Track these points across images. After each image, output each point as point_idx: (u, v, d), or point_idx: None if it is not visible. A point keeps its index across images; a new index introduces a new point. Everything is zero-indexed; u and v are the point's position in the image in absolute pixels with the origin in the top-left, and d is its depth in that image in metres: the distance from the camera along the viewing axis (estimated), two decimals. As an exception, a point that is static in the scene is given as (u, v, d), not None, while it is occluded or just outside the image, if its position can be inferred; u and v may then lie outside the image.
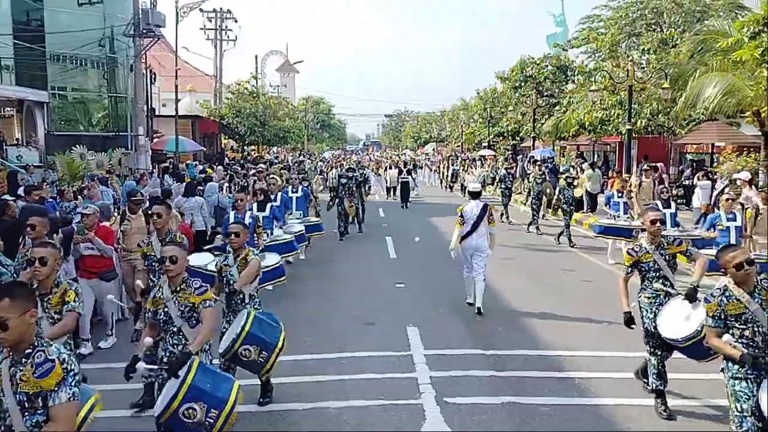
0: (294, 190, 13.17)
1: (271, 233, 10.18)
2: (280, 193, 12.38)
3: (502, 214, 22.39)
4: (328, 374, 6.63)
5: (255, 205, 10.52)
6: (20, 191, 10.87)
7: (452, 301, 9.66)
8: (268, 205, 10.60)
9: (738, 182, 13.14)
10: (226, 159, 33.53)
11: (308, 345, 7.57)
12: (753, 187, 13.09)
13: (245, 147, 40.88)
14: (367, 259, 13.35)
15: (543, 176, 17.22)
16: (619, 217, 12.16)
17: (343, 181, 16.07)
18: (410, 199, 24.78)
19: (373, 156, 57.17)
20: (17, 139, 22.47)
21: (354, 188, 16.37)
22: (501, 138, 40.31)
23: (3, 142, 21.77)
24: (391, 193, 27.67)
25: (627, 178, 15.44)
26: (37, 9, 22.73)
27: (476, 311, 8.84)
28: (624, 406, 5.85)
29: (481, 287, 8.92)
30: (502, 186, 19.51)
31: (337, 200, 16.11)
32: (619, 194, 12.72)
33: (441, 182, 36.67)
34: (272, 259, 8.30)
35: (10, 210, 8.14)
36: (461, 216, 9.05)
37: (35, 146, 21.61)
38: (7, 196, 10.10)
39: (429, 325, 8.31)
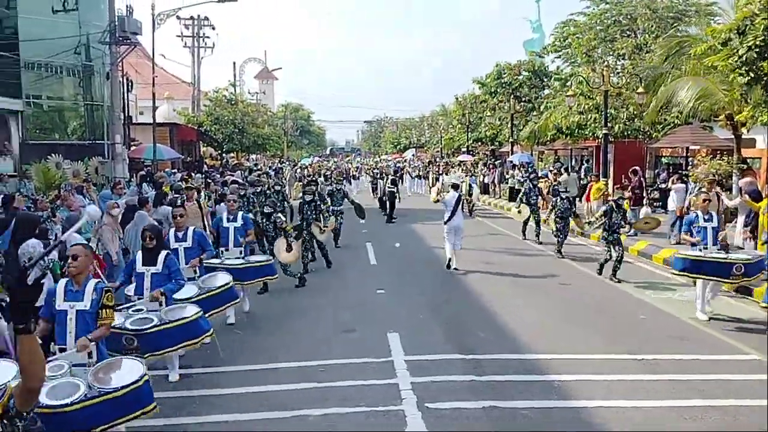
0: (231, 217, 9.54)
1: (166, 302, 6.48)
2: (191, 229, 8.21)
3: (472, 206, 21.88)
4: (309, 381, 6.58)
5: (139, 257, 6.73)
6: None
7: (433, 307, 9.68)
8: (161, 256, 6.63)
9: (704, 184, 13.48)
10: (205, 167, 33.29)
11: (288, 352, 7.54)
12: (719, 187, 13.57)
13: (224, 154, 40.66)
14: (348, 266, 13.31)
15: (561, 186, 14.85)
16: (706, 248, 8.80)
17: (308, 198, 12.26)
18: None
19: (340, 163, 54.38)
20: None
21: (322, 208, 12.61)
22: (480, 143, 40.58)
23: (-24, 151, 21.44)
24: (386, 206, 22.48)
25: (721, 192, 12.68)
26: (11, 16, 22.41)
27: (448, 266, 12.41)
28: (602, 408, 5.88)
29: (457, 252, 12.58)
30: (527, 201, 16.17)
31: (303, 224, 12.18)
32: (707, 216, 9.00)
33: (430, 189, 32.98)
34: (123, 378, 4.71)
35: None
36: (443, 201, 12.64)
37: (9, 155, 21.26)
38: (-21, 207, 9.90)
39: (410, 331, 8.31)
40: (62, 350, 4.86)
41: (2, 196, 10.76)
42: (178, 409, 6.00)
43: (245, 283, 8.94)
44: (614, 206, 11.56)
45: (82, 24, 23.16)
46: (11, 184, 16.01)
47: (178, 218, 8.28)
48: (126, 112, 25.76)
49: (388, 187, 21.69)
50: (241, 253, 9.29)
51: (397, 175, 24.55)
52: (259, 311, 9.48)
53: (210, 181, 19.29)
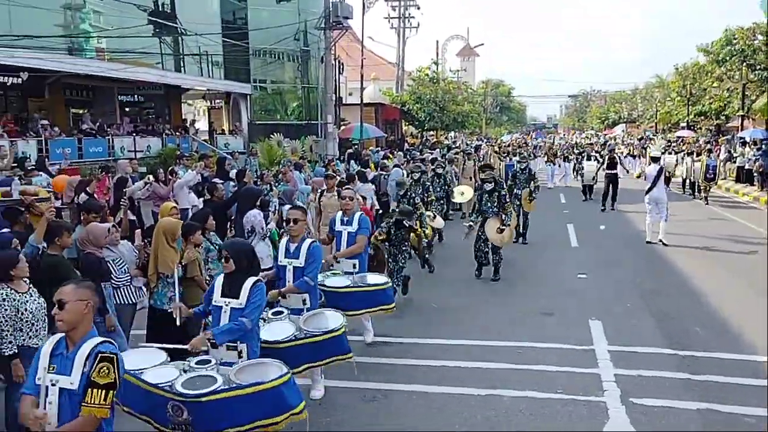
0: (346, 219, 6.93)
1: (248, 353, 4.42)
2: (308, 242, 5.67)
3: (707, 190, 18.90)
4: (503, 362, 6.51)
5: (218, 284, 4.61)
6: (231, 174, 12.04)
7: (641, 295, 8.99)
8: (246, 284, 4.49)
9: None
10: (406, 145, 34.40)
11: (482, 330, 7.52)
12: None
13: (424, 132, 41.61)
14: (547, 247, 12.82)
15: None
16: None
17: (488, 187, 9.87)
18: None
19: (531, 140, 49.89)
20: (229, 129, 25.12)
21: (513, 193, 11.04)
22: (702, 118, 36.60)
23: (214, 131, 24.52)
24: (588, 193, 20.60)
25: None
26: (242, 8, 25.12)
27: (660, 242, 12.18)
28: None
29: (664, 225, 12.34)
30: None
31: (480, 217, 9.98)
32: None
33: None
34: None
35: (218, 192, 9.10)
36: (643, 172, 13.21)
37: (240, 134, 24.00)
38: (216, 180, 11.26)
39: (614, 320, 7.81)
40: None
41: (237, 170, 12.12)
42: (369, 373, 6.23)
43: (349, 313, 5.98)
44: None
45: (301, 12, 25.26)
46: (241, 160, 17.99)
47: (293, 224, 5.70)
48: (337, 93, 27.52)
49: (606, 171, 18.41)
50: (354, 267, 6.75)
51: (615, 155, 19.69)
52: (452, 287, 9.57)
53: (411, 159, 19.85)
